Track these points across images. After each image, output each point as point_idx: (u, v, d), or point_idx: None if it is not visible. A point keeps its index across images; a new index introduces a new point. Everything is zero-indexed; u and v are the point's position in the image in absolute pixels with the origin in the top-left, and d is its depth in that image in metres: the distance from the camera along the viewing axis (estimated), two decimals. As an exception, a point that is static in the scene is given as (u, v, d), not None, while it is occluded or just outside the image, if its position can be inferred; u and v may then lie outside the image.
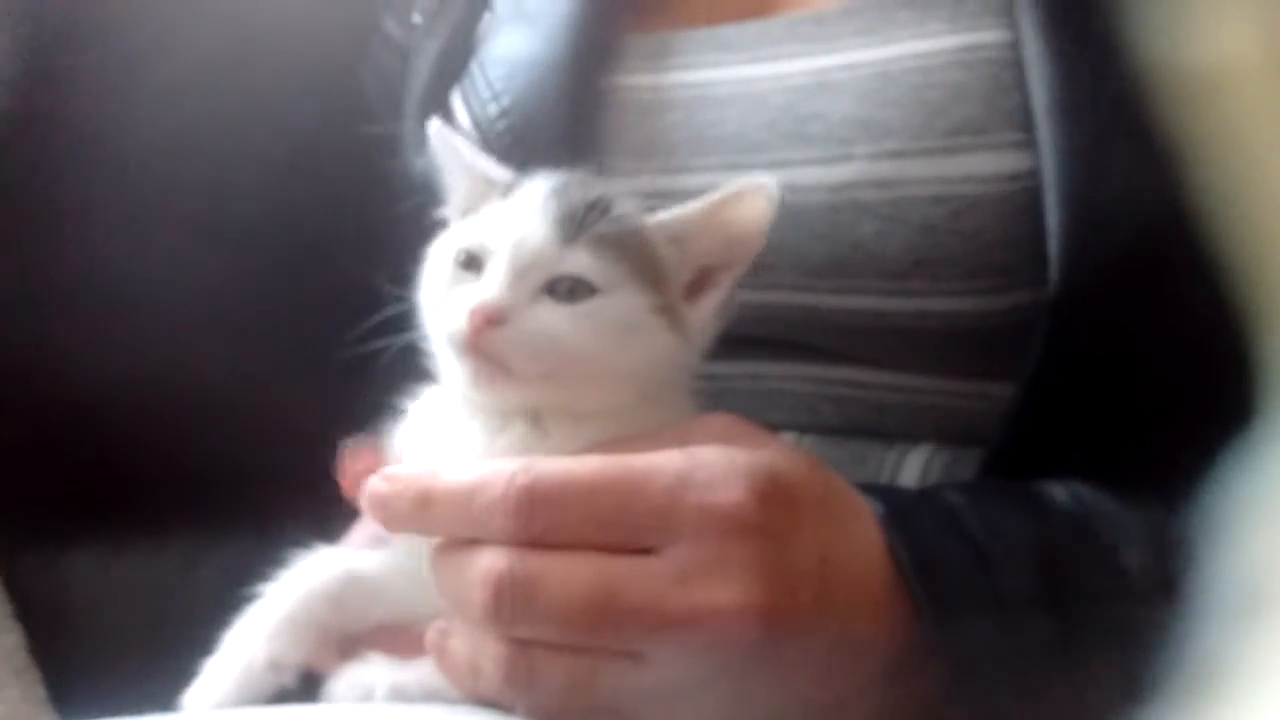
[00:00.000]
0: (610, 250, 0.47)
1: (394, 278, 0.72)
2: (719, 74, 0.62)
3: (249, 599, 0.49)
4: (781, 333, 0.59)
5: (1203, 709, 0.32)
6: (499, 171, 0.52)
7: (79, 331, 0.84)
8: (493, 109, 0.64)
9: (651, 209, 0.49)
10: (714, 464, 0.42)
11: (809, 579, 0.41)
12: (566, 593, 0.40)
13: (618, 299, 0.47)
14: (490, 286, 0.46)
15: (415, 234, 0.64)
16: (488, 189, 0.51)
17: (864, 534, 0.44)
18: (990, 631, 0.43)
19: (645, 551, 0.41)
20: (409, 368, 0.52)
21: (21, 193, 0.83)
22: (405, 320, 0.51)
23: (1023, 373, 0.52)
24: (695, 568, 0.40)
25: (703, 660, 0.40)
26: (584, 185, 0.49)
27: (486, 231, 0.48)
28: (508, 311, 0.45)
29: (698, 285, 0.50)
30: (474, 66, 0.68)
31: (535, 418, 0.48)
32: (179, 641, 0.47)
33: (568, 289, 0.46)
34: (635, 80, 0.63)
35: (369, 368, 0.52)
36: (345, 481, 0.48)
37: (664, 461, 0.42)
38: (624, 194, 0.50)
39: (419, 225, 0.65)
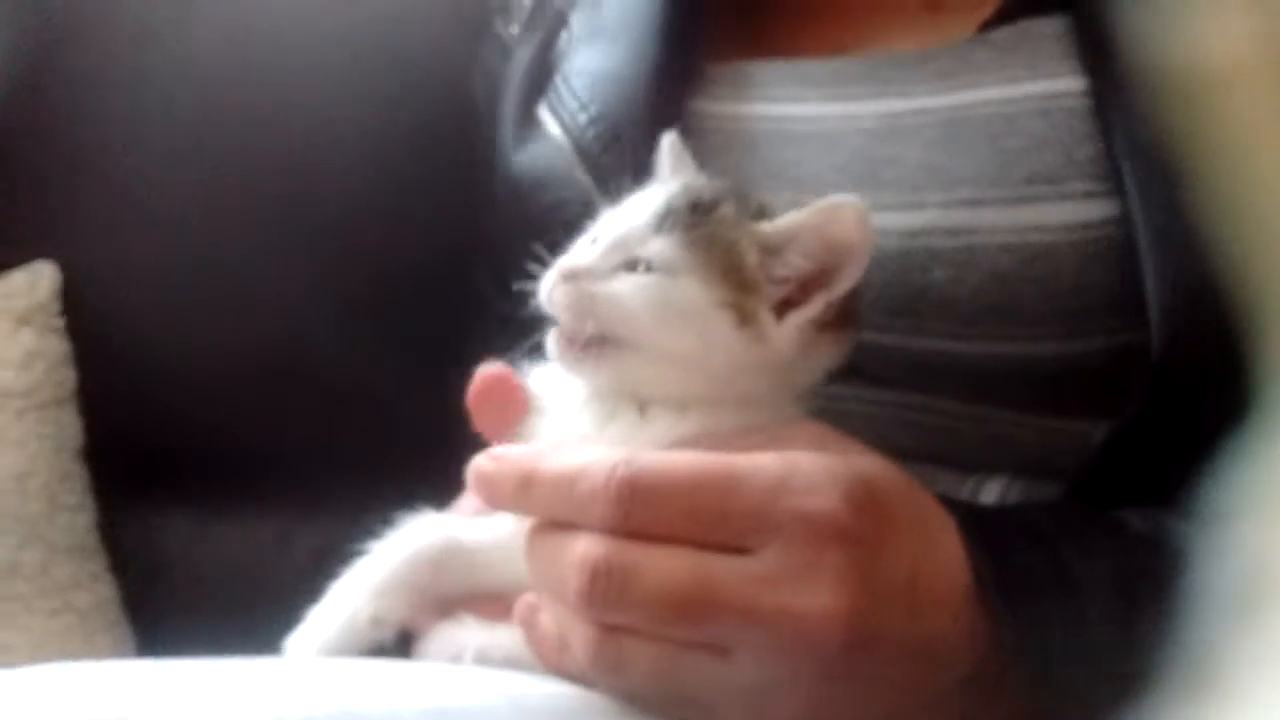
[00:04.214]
0: (693, 244, 0.49)
1: (490, 265, 0.74)
2: (798, 109, 0.62)
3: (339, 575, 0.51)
4: (854, 361, 0.59)
5: (1201, 706, 0.32)
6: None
7: (184, 307, 0.88)
8: (582, 118, 0.66)
9: (763, 216, 0.50)
10: (811, 470, 0.43)
11: (897, 590, 0.42)
12: (661, 584, 0.41)
13: (681, 282, 0.49)
14: (577, 252, 0.51)
15: (510, 233, 0.66)
16: None
17: (950, 547, 0.45)
18: (1068, 646, 0.44)
19: (739, 550, 0.42)
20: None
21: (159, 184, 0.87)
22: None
23: (1115, 412, 0.52)
24: (787, 570, 0.41)
25: (786, 660, 0.41)
26: (708, 189, 0.51)
27: (609, 218, 0.52)
28: (582, 271, 0.49)
29: (797, 302, 0.50)
30: (558, 79, 0.70)
31: (641, 408, 0.50)
32: (270, 609, 0.49)
33: (644, 269, 0.49)
34: (717, 108, 0.64)
35: (465, 360, 0.53)
36: (472, 392, 0.51)
37: (763, 464, 0.43)
38: (741, 198, 0.51)
39: (516, 225, 0.67)
